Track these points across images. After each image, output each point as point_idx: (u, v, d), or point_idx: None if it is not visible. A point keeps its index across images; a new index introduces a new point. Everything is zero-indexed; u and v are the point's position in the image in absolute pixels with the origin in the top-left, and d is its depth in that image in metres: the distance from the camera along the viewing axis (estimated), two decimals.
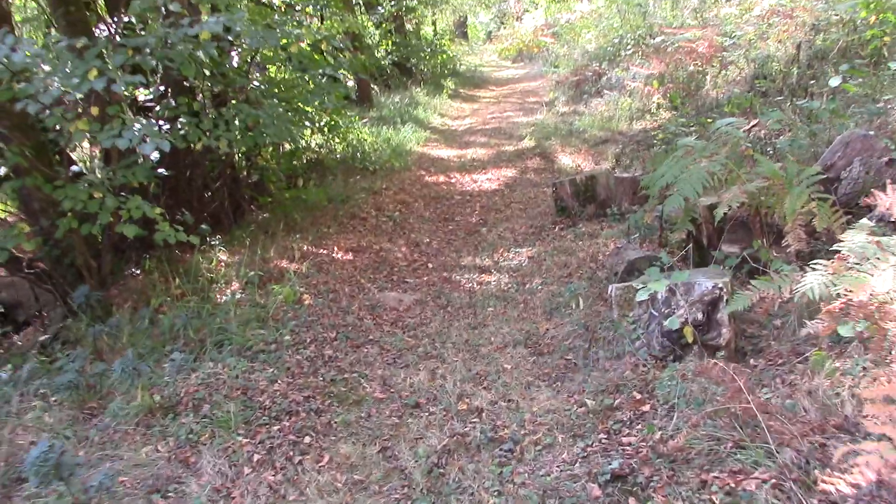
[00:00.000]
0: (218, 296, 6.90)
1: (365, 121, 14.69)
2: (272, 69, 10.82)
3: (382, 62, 22.66)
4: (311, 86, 8.65)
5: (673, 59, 12.71)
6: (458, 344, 5.66)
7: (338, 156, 12.13)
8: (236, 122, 7.76)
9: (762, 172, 5.38)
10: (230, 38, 6.45)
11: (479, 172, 11.59)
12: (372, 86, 20.88)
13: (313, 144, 12.07)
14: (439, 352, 5.56)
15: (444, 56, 24.47)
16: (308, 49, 11.04)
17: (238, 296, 6.77)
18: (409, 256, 7.94)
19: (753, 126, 9.52)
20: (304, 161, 11.32)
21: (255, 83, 8.55)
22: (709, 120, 9.74)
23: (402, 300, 6.68)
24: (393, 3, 22.53)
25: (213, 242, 7.98)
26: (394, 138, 13.79)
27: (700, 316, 4.68)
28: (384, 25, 22.25)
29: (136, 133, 5.44)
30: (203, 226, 8.17)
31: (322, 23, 13.60)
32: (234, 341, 5.71)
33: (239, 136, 7.76)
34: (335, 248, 8.14)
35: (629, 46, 17.00)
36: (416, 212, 9.67)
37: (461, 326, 5.97)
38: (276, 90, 8.93)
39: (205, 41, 6.31)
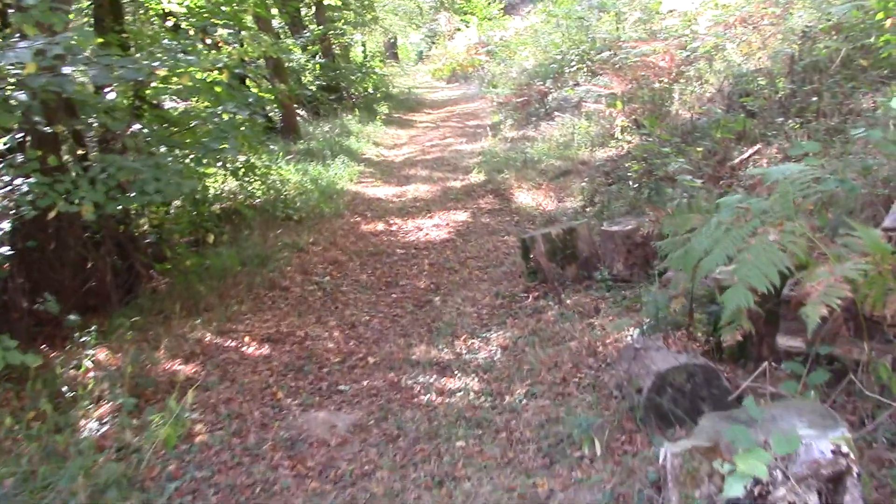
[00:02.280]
0: (81, 422, 4.82)
1: (290, 156, 12.62)
2: (195, 102, 8.76)
3: (310, 87, 20.60)
4: (209, 127, 6.59)
5: (635, 77, 10.96)
6: None
7: (256, 201, 10.03)
8: (106, 178, 5.68)
9: (858, 247, 3.54)
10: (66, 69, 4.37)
11: (423, 216, 9.63)
12: (300, 113, 18.80)
13: (227, 189, 9.99)
14: None
15: (376, 77, 22.43)
16: (218, 77, 8.99)
17: (104, 428, 4.70)
18: (342, 346, 5.93)
19: (752, 155, 7.76)
20: (216, 211, 9.23)
21: (138, 126, 6.45)
22: (698, 149, 7.96)
23: (334, 426, 4.66)
24: (321, 26, 20.52)
25: (84, 338, 5.86)
26: (323, 176, 11.75)
27: (814, 500, 2.80)
28: (310, 48, 20.19)
29: None
30: (71, 315, 6.08)
31: (241, 47, 11.49)
32: None
33: (109, 197, 5.68)
34: (246, 338, 6.10)
35: (573, 63, 15.41)
36: (351, 274, 7.66)
37: (421, 481, 3.97)
38: (172, 133, 6.86)
39: (29, 75, 4.27)
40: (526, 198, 9.49)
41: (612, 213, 7.74)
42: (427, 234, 8.87)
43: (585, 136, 11.24)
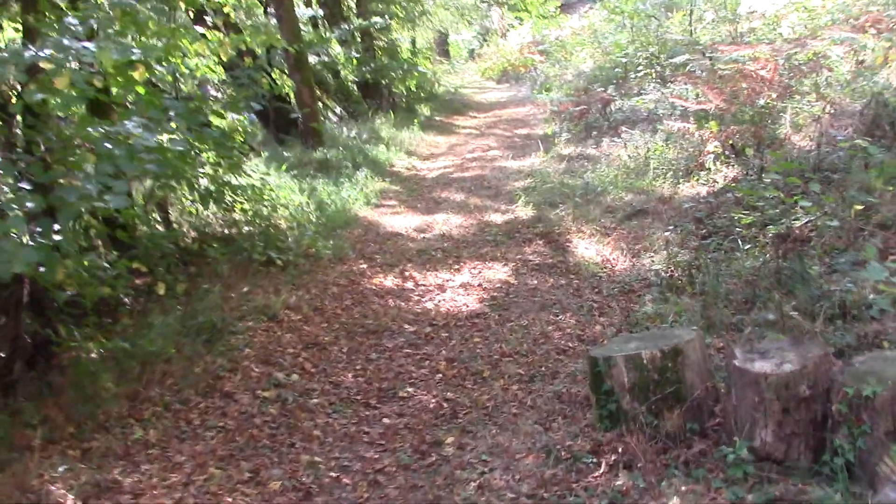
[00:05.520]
0: None
1: (296, 170, 10.02)
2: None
3: (346, 83, 18.09)
4: (92, 157, 4.00)
5: (735, 88, 8.12)
6: None
7: (244, 230, 7.43)
8: None
9: None
10: None
11: (448, 269, 6.93)
12: (337, 112, 16.29)
13: (195, 215, 7.43)
14: None
15: (418, 76, 19.60)
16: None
17: None
18: None
19: None
20: (175, 249, 6.66)
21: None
22: (858, 206, 5.13)
23: None
24: (362, 20, 17.91)
25: None
26: (334, 198, 9.14)
27: None
28: (354, 44, 17.63)
29: None
30: None
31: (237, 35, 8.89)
32: None
33: None
34: None
35: (640, 67, 12.75)
36: (332, 371, 5.02)
37: None
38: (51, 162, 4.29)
39: None
40: (588, 248, 6.77)
41: (717, 294, 5.01)
42: (452, 298, 6.18)
43: (664, 162, 8.45)
